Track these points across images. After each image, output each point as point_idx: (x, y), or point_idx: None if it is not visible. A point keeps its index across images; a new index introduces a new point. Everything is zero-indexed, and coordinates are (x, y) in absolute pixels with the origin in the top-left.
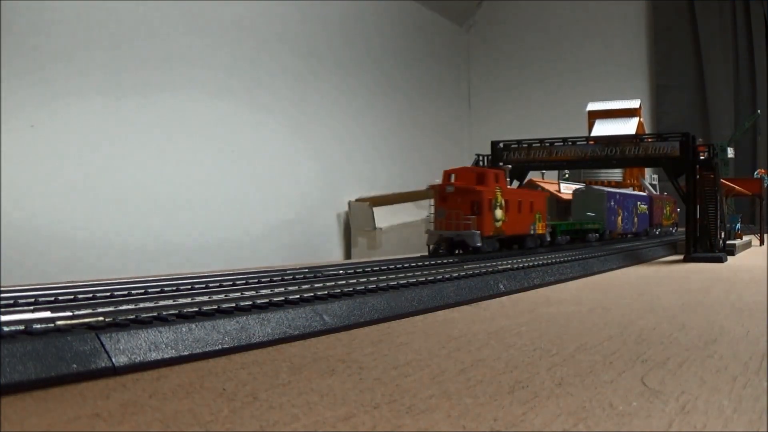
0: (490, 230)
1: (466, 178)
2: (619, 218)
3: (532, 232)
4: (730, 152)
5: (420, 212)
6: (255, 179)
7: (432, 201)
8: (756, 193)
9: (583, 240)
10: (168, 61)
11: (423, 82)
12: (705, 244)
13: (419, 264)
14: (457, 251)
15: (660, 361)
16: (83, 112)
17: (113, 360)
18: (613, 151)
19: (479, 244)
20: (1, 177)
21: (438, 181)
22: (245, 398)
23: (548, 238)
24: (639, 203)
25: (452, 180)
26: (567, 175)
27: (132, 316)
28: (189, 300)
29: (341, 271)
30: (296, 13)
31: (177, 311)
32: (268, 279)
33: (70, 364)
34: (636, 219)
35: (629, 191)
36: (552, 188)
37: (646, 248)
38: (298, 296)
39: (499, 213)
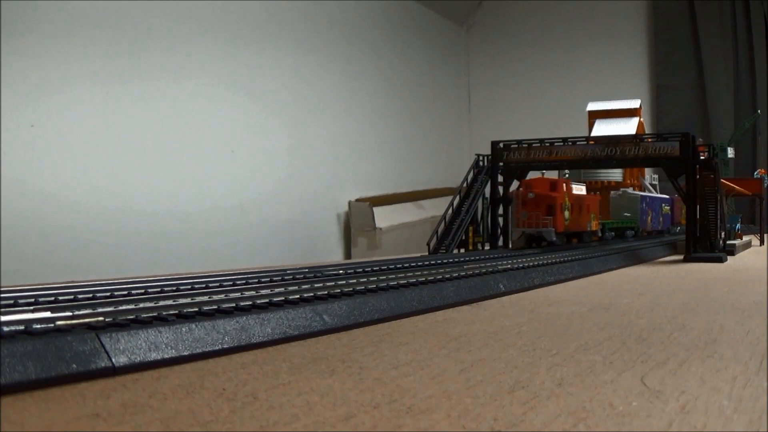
0: (561, 227)
1: (541, 186)
2: (649, 218)
3: (588, 228)
4: (730, 152)
5: (420, 212)
6: (255, 179)
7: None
8: (756, 193)
9: (622, 236)
10: (168, 64)
11: (423, 82)
12: (705, 244)
13: (419, 264)
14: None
15: (660, 361)
16: (83, 109)
17: (113, 360)
18: (613, 151)
19: (554, 239)
20: (0, 176)
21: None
22: (245, 398)
23: (599, 234)
24: (663, 205)
25: (530, 189)
26: (567, 175)
27: (132, 316)
28: (189, 300)
29: (341, 271)
30: (296, 12)
31: (177, 311)
32: (268, 279)
33: (70, 364)
34: (661, 218)
35: (656, 195)
36: None
37: (646, 248)
38: (298, 296)
39: (566, 214)
